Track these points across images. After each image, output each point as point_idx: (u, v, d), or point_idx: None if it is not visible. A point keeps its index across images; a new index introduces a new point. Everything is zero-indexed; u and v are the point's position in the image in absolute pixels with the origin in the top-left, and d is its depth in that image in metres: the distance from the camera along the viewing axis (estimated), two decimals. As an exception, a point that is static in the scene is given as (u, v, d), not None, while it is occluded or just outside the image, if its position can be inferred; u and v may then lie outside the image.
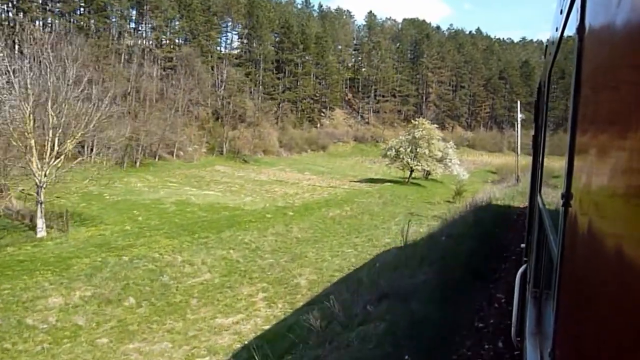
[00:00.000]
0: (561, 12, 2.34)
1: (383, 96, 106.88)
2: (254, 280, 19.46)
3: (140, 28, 71.47)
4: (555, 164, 2.53)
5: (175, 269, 19.47)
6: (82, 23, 65.20)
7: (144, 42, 70.71)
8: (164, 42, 73.20)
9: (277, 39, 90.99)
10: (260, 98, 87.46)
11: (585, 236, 1.14)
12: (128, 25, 68.91)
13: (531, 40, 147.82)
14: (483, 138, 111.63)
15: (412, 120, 52.16)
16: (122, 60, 69.74)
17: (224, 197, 37.90)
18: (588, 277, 1.10)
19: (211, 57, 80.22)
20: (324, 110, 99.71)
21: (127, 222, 25.60)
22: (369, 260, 18.37)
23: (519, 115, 28.12)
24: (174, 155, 67.92)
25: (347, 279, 16.39)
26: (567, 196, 1.53)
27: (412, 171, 51.00)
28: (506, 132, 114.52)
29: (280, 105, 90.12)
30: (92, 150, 60.38)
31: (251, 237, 24.51)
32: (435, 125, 51.81)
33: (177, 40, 74.95)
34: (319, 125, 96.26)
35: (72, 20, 63.24)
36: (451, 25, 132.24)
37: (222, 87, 79.62)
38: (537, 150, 4.26)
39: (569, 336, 1.43)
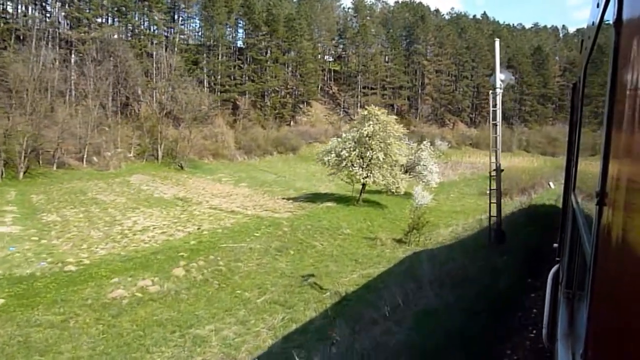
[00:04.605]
0: (598, 6, 2.18)
1: (371, 88, 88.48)
2: None
3: (47, 3, 54.97)
4: (589, 162, 2.39)
5: None
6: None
7: (49, 19, 54.19)
8: (83, 21, 56.46)
9: (237, 21, 73.63)
10: (216, 90, 70.41)
11: (620, 236, 1.08)
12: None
13: (545, 26, 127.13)
14: (488, 136, 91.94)
15: (361, 110, 34.08)
16: (33, 44, 53.45)
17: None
18: (622, 277, 1.03)
19: (150, 41, 63.38)
20: (300, 105, 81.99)
21: None
22: None
23: (498, 75, 10.32)
24: (84, 162, 51.38)
25: None
26: (601, 195, 1.43)
27: (363, 186, 33.04)
28: (516, 128, 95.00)
29: (242, 99, 72.81)
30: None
31: None
32: (395, 117, 33.44)
33: (99, 20, 58.18)
34: (292, 123, 78.58)
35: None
36: (452, 8, 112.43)
37: (163, 77, 62.74)
38: (571, 149, 3.96)
39: (601, 338, 1.35)
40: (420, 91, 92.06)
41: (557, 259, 4.39)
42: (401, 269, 15.39)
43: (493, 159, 11.41)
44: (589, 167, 2.36)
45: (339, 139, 32.89)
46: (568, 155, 4.25)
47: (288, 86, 78.16)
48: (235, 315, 14.58)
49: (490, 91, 11.36)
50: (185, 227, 24.34)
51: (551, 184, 34.75)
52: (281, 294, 16.40)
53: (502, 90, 11.15)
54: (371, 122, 31.08)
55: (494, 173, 11.30)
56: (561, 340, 2.72)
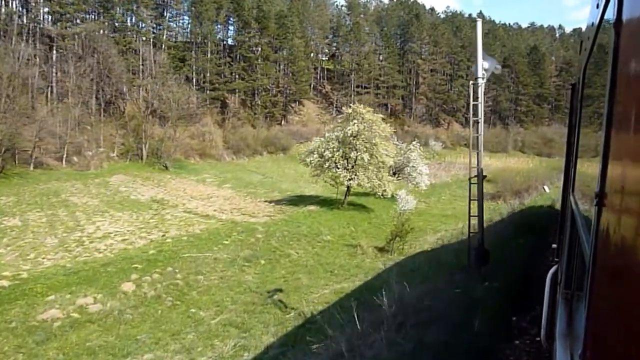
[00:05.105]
0: (597, 7, 2.17)
1: (365, 87, 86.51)
2: None
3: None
4: (589, 163, 2.39)
5: None
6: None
7: (30, 14, 52.14)
8: (65, 16, 54.32)
9: (228, 18, 71.63)
10: (205, 89, 68.40)
11: (619, 237, 1.08)
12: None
13: (541, 25, 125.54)
14: (483, 136, 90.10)
15: (346, 108, 32.17)
16: (13, 39, 51.32)
17: None
18: (621, 278, 1.03)
19: (135, 37, 61.33)
20: (292, 104, 79.98)
21: None
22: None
23: (480, 63, 8.38)
24: (64, 161, 49.31)
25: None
26: (600, 196, 1.43)
27: (348, 189, 31.15)
28: (511, 128, 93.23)
29: (232, 98, 70.87)
30: None
31: None
32: (382, 116, 31.38)
33: (82, 15, 56.03)
34: (283, 122, 76.57)
35: None
36: (448, 7, 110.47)
37: (149, 75, 60.63)
38: (570, 149, 3.89)
39: (600, 338, 1.35)
40: (414, 90, 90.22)
41: (556, 259, 4.36)
42: (370, 287, 13.48)
43: (474, 163, 9.49)
44: (588, 168, 2.34)
45: (322, 139, 30.99)
46: (567, 156, 4.20)
47: (279, 85, 76.16)
48: (182, 341, 12.63)
49: (471, 81, 9.45)
50: (149, 234, 22.37)
51: (546, 187, 32.84)
52: (240, 313, 14.45)
53: (485, 81, 9.25)
54: (356, 121, 29.16)
55: (474, 180, 9.36)
56: (559, 340, 2.71)
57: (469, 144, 10.11)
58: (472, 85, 9.22)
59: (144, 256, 18.42)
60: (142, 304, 14.79)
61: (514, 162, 71.95)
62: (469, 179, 9.49)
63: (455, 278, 9.17)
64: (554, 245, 4.92)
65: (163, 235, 21.88)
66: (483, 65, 9.25)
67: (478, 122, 9.31)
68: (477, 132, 9.31)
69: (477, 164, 9.25)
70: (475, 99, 9.26)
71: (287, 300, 15.39)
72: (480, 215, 9.14)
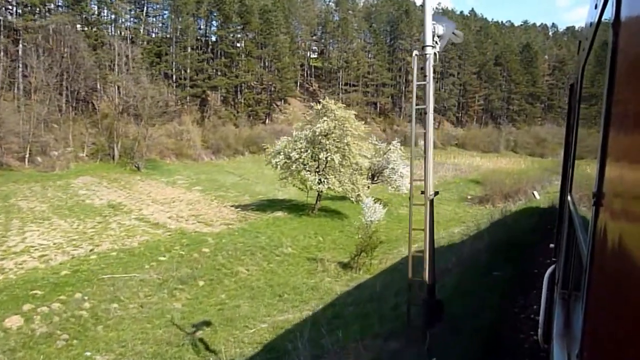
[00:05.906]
0: (595, 7, 2.16)
1: (353, 85, 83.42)
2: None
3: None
4: (586, 163, 2.35)
5: None
6: None
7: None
8: (34, 8, 50.91)
9: (210, 13, 68.31)
10: (185, 85, 65.11)
11: (616, 237, 1.07)
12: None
13: (534, 24, 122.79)
14: (475, 136, 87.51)
15: (316, 104, 28.95)
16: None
17: None
18: (619, 278, 1.03)
19: (108, 31, 57.90)
20: (277, 102, 76.77)
21: None
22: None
23: (429, 26, 5.29)
24: (27, 162, 45.94)
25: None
26: (598, 196, 1.43)
27: (319, 194, 28.01)
28: (504, 128, 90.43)
29: (212, 95, 67.58)
30: None
31: None
32: (354, 112, 28.10)
33: (50, 6, 52.55)
34: (267, 121, 73.34)
35: None
36: (439, 4, 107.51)
37: (123, 71, 57.22)
38: (568, 149, 3.81)
39: (597, 339, 1.35)
40: (404, 89, 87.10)
41: (554, 259, 4.29)
42: (314, 323, 10.41)
43: (418, 174, 6.41)
44: (586, 167, 2.33)
45: (290, 138, 27.86)
46: (565, 155, 4.14)
47: (263, 82, 72.89)
48: (53, 404, 9.47)
49: (415, 52, 6.42)
50: (77, 248, 19.15)
51: (536, 193, 29.81)
52: (147, 358, 11.30)
53: (436, 50, 6.23)
54: (326, 118, 26.02)
55: (420, 200, 6.26)
56: (557, 340, 2.65)
57: (410, 145, 6.97)
58: (416, 57, 6.14)
59: (53, 278, 15.22)
60: (25, 346, 11.61)
61: (505, 163, 69.08)
62: (409, 198, 6.37)
63: (390, 346, 6.08)
64: (552, 245, 4.94)
65: (91, 250, 18.68)
66: (436, 30, 6.14)
67: (426, 113, 6.20)
68: (425, 128, 6.21)
69: (425, 177, 6.14)
70: (422, 78, 6.17)
71: (211, 339, 12.26)
72: (431, 253, 6.03)
